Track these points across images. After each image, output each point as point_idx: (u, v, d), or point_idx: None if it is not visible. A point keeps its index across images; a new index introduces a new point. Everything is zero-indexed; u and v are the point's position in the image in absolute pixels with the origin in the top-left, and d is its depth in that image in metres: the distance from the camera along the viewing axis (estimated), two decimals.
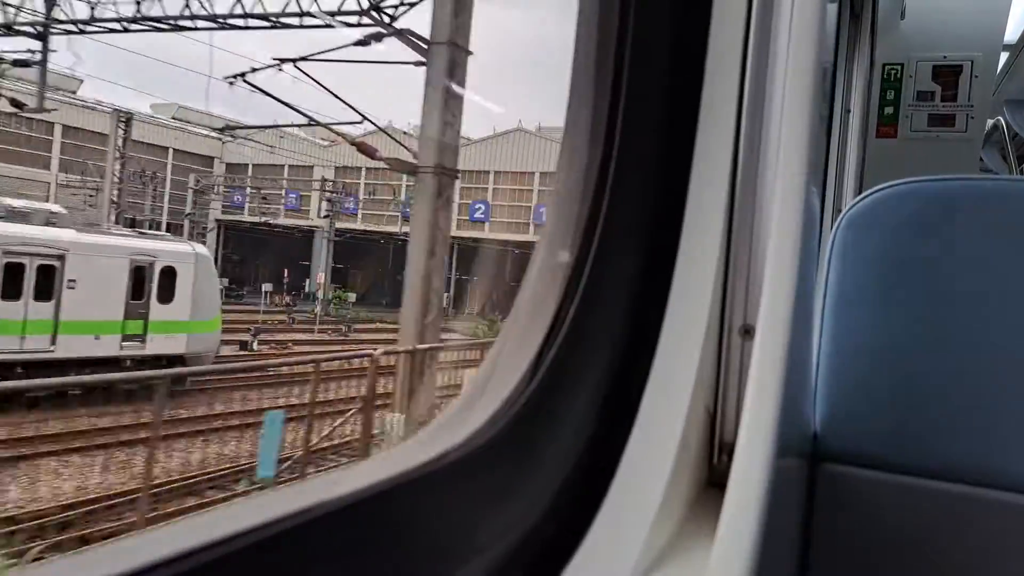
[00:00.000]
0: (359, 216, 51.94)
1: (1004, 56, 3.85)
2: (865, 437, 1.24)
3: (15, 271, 16.55)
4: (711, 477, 0.88)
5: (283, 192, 51.31)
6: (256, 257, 54.58)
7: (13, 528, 9.11)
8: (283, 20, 19.20)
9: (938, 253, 1.22)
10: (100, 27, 20.64)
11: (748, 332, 0.87)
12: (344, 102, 17.64)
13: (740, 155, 0.87)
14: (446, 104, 13.67)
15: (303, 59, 17.51)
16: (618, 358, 0.84)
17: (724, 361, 0.88)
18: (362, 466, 0.65)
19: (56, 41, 21.09)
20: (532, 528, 0.72)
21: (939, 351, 1.21)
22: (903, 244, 1.24)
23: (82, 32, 20.81)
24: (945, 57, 3.45)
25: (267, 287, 41.93)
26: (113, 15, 20.29)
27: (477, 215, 49.30)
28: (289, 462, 11.22)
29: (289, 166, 52.00)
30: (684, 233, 0.86)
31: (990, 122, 4.32)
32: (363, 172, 50.39)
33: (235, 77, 18.35)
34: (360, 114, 19.85)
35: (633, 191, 0.85)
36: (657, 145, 0.87)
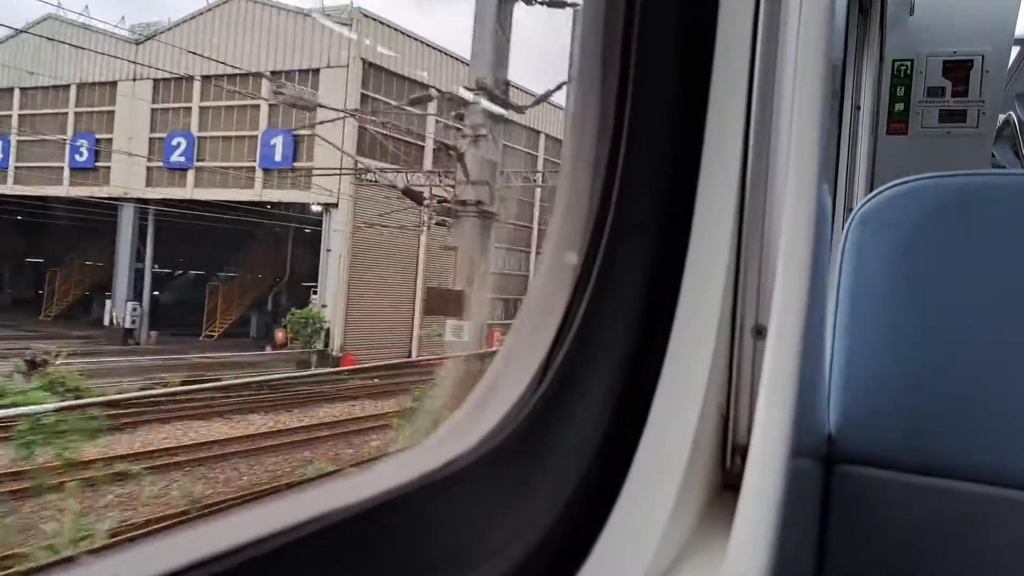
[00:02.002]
0: (10, 171, 31.70)
1: (1015, 50, 3.82)
2: (881, 438, 1.22)
3: None
4: (725, 479, 0.87)
5: None
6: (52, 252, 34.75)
7: None
8: None
9: (951, 249, 1.21)
10: None
11: (760, 332, 0.86)
12: None
13: (750, 152, 0.86)
14: None
15: None
16: (628, 359, 0.83)
17: (736, 362, 0.87)
18: (372, 473, 0.64)
19: None
20: (543, 533, 0.71)
21: (955, 348, 1.19)
22: (916, 241, 1.22)
23: None
24: (955, 52, 3.43)
25: None
26: None
27: (175, 157, 28.84)
28: None
29: None
30: (694, 232, 0.85)
31: (1001, 117, 4.29)
32: (16, 95, 31.60)
33: None
34: None
35: (641, 189, 0.84)
36: (665, 142, 0.86)
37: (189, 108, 29.23)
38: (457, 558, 0.65)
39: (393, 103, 24.57)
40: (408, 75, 27.18)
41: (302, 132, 25.38)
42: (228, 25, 27.85)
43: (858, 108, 3.33)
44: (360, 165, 24.63)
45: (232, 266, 34.08)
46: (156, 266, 31.55)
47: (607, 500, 0.77)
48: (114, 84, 30.32)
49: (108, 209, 29.58)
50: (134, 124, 29.79)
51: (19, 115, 31.70)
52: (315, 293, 27.11)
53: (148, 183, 29.81)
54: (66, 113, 31.56)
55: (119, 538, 8.76)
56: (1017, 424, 1.15)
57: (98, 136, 30.88)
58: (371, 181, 24.43)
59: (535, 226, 29.32)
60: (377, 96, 26.29)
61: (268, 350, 26.38)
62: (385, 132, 24.95)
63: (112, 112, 30.61)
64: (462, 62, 24.33)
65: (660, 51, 0.84)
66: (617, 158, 0.82)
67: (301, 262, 31.45)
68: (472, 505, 0.69)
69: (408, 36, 28.04)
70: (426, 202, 15.42)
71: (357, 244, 26.21)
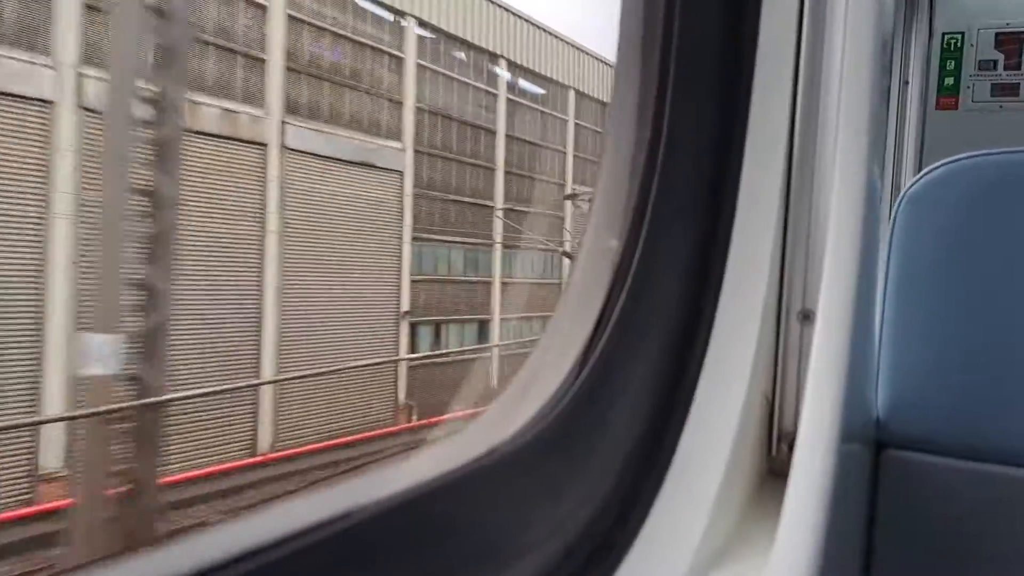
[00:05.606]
0: None
1: None
2: (930, 422, 1.19)
3: None
4: (770, 467, 0.85)
5: None
6: None
7: None
8: None
9: (1004, 230, 1.17)
10: None
11: (808, 316, 0.84)
12: None
13: (796, 132, 0.83)
14: None
15: None
16: (671, 346, 0.82)
17: (782, 347, 0.85)
18: (410, 464, 0.64)
19: None
20: (585, 524, 0.71)
21: (1006, 332, 1.16)
22: (968, 221, 1.18)
23: None
24: (1008, 24, 3.32)
25: None
26: None
27: None
28: None
29: None
30: (738, 214, 0.83)
31: None
32: None
33: None
34: None
35: (684, 172, 0.82)
36: (709, 123, 0.84)
37: None
38: (498, 547, 0.65)
39: None
40: None
41: None
42: None
43: (906, 83, 3.24)
44: None
45: None
46: None
47: (651, 488, 0.76)
48: None
49: None
50: None
51: None
52: None
53: None
54: None
55: None
56: None
57: None
58: None
59: None
60: None
61: None
62: None
63: None
64: None
65: (702, 28, 0.82)
66: (659, 141, 0.80)
67: None
68: (513, 494, 0.68)
69: None
70: None
71: None
